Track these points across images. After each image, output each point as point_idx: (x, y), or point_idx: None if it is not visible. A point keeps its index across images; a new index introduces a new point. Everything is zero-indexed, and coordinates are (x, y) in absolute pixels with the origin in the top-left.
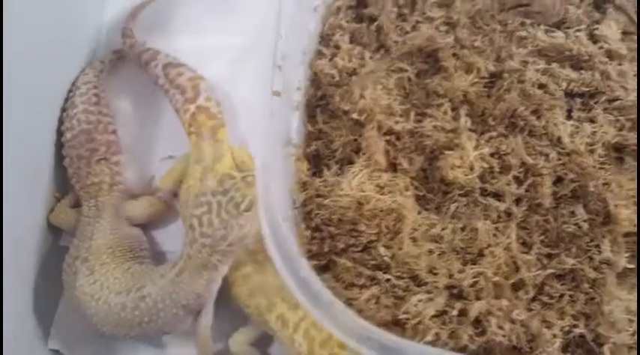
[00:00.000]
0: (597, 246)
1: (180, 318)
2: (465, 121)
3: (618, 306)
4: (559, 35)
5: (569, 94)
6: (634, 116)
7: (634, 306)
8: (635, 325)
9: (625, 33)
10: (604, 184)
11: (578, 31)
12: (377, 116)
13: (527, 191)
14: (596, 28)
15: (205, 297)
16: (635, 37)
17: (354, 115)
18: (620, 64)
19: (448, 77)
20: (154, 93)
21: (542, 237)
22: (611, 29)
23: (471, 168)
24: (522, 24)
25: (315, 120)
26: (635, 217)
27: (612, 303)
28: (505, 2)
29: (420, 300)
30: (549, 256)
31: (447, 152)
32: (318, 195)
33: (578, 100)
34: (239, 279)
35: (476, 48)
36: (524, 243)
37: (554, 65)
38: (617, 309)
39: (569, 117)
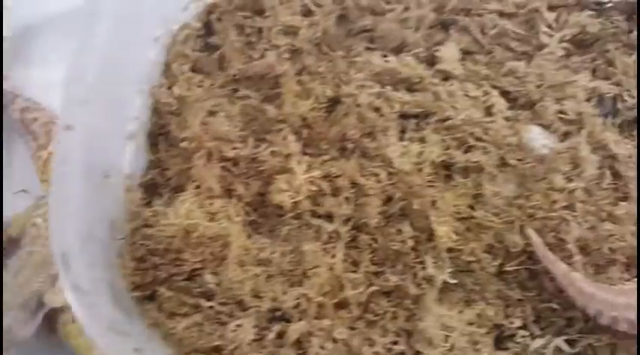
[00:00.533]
0: (422, 262)
1: None
2: (296, 146)
3: (434, 322)
4: (392, 59)
5: (404, 116)
6: (460, 135)
7: (451, 322)
8: (451, 340)
9: (467, 52)
10: (432, 202)
11: (415, 54)
12: (207, 144)
13: (356, 211)
14: (437, 50)
15: None
16: (478, 57)
17: (183, 144)
18: (450, 85)
19: (287, 103)
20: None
21: (370, 256)
22: (450, 51)
23: (298, 192)
24: (367, 49)
25: (157, 148)
26: (451, 234)
27: (427, 319)
28: (352, 28)
29: (238, 325)
30: (377, 274)
31: (277, 177)
32: (146, 225)
33: (413, 121)
34: (74, 331)
35: (319, 73)
36: (353, 262)
37: (387, 88)
38: (432, 325)
39: (402, 138)
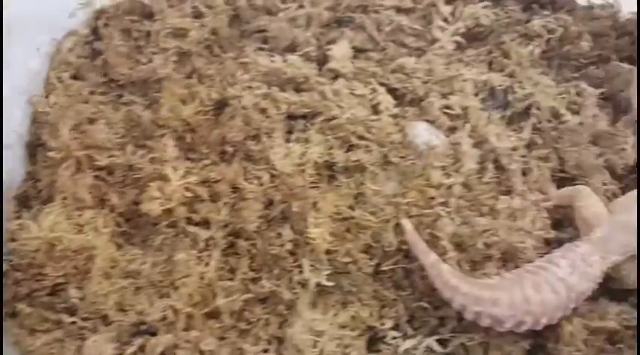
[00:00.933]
0: (300, 266)
1: None
2: (173, 151)
3: (303, 327)
4: (277, 59)
5: (292, 117)
6: (343, 134)
7: (321, 326)
8: (320, 345)
9: (362, 50)
10: (313, 203)
11: (306, 53)
12: (76, 153)
13: (235, 216)
14: (329, 49)
15: None
16: (372, 54)
17: (50, 153)
18: (338, 84)
19: (166, 108)
20: None
21: (249, 262)
22: (341, 49)
23: (170, 199)
24: (260, 49)
25: (36, 159)
26: (326, 235)
27: (296, 325)
28: (245, 29)
29: (95, 341)
30: (254, 280)
31: (151, 184)
32: (13, 239)
33: (301, 122)
34: None
35: (209, 76)
36: (231, 270)
37: (274, 89)
38: (301, 331)
39: (288, 139)
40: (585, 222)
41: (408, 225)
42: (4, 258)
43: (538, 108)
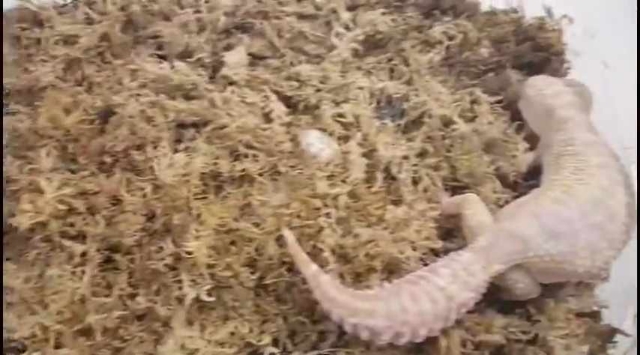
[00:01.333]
0: (180, 281)
1: None
2: (48, 162)
3: (174, 345)
4: (165, 66)
5: (182, 125)
6: (231, 143)
7: (195, 344)
8: None
9: (259, 57)
10: (197, 215)
11: (200, 59)
12: None
13: (113, 230)
14: (223, 56)
15: None
16: (270, 61)
17: None
18: (232, 92)
19: (51, 117)
20: None
21: (127, 277)
22: (236, 56)
23: (41, 212)
24: (154, 56)
25: None
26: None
27: (168, 343)
28: (140, 35)
29: None
30: (132, 296)
31: (23, 196)
32: None
33: (192, 130)
34: None
35: (98, 83)
36: (108, 285)
37: (161, 96)
38: (173, 349)
39: (176, 149)
40: (471, 230)
41: (289, 236)
42: None
43: (430, 117)
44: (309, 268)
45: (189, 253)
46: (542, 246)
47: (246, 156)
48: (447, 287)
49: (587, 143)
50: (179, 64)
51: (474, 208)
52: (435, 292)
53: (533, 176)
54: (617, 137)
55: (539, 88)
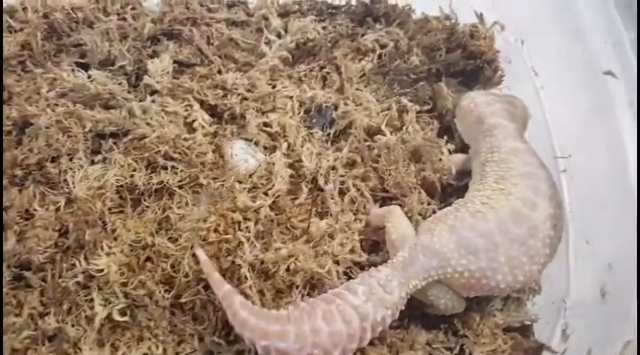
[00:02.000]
0: (92, 299)
1: None
2: None
3: None
4: (82, 76)
5: (101, 135)
6: (149, 155)
7: None
8: None
9: (186, 65)
10: (112, 230)
11: (122, 67)
12: None
13: (24, 246)
14: (146, 64)
15: None
16: (198, 68)
17: None
18: (152, 101)
19: None
20: None
21: (39, 295)
22: (160, 64)
23: None
24: (76, 64)
25: None
26: (114, 266)
27: None
28: (64, 43)
29: None
30: (43, 316)
31: None
32: None
33: (110, 141)
34: None
35: (17, 93)
36: (18, 304)
37: (78, 106)
38: None
39: (93, 161)
40: (392, 244)
41: (201, 255)
42: None
43: (356, 128)
44: (221, 288)
45: (99, 271)
46: (459, 261)
47: (164, 168)
48: (361, 305)
49: (513, 151)
50: (96, 73)
51: (395, 221)
52: (349, 311)
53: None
54: (548, 145)
55: (472, 97)
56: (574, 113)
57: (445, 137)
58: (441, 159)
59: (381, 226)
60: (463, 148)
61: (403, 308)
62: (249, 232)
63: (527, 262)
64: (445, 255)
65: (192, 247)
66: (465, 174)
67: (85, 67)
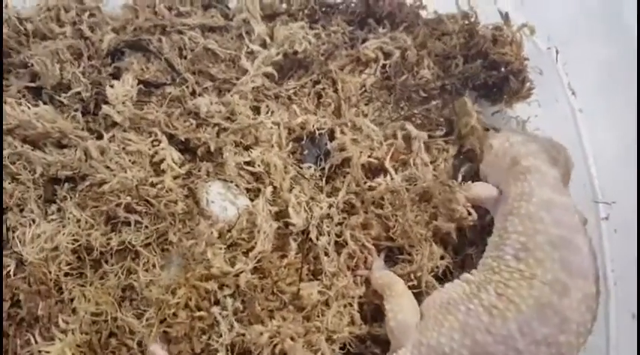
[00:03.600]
0: None
1: None
2: None
3: None
4: (28, 112)
5: (54, 180)
6: (108, 208)
7: None
8: None
9: (152, 84)
10: (69, 300)
11: (77, 94)
12: None
13: None
14: (111, 85)
15: None
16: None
17: None
18: (111, 137)
19: None
20: None
21: None
22: (121, 88)
23: None
24: (22, 91)
25: None
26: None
27: None
28: (12, 62)
29: None
30: None
31: None
32: None
33: (66, 186)
34: None
35: None
36: None
37: (26, 147)
38: None
39: (46, 212)
40: (391, 332)
41: (158, 351)
42: None
43: (354, 166)
44: None
45: None
46: None
47: (127, 223)
48: None
49: (547, 204)
50: (43, 109)
51: (396, 304)
52: None
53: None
54: (587, 184)
55: (507, 136)
56: (620, 146)
57: (462, 169)
58: (455, 209)
59: (382, 291)
60: None
61: None
62: (227, 309)
63: None
64: None
65: (161, 323)
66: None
67: (38, 92)
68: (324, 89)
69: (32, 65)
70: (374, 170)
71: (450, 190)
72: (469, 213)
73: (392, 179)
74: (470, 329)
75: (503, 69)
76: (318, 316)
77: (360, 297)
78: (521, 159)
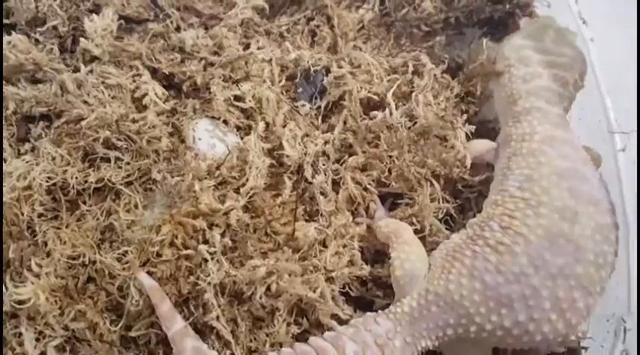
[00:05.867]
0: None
1: None
2: None
3: None
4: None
5: (27, 118)
6: (85, 143)
7: None
8: None
9: (133, 21)
10: (43, 243)
11: (54, 28)
12: None
13: None
14: (90, 19)
15: None
16: (150, 25)
17: None
18: (89, 71)
19: None
20: None
21: None
22: (100, 21)
23: None
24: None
25: None
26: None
27: None
28: None
29: None
30: None
31: None
32: None
33: (41, 124)
34: None
35: None
36: None
37: None
38: None
39: (19, 151)
40: (397, 282)
41: (146, 280)
42: None
43: (352, 100)
44: (171, 326)
45: (22, 302)
46: (488, 317)
47: (106, 160)
48: None
49: (549, 139)
50: (17, 37)
51: (403, 251)
52: None
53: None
54: (602, 116)
55: (515, 57)
56: (635, 75)
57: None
58: (453, 146)
59: (385, 240)
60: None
61: None
62: (215, 246)
63: (580, 298)
64: (467, 310)
65: (144, 264)
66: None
67: (12, 28)
68: (318, 26)
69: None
70: (372, 107)
71: (452, 126)
72: (464, 166)
73: (391, 114)
74: (478, 272)
75: (508, 4)
76: (316, 256)
77: (361, 239)
78: (519, 99)
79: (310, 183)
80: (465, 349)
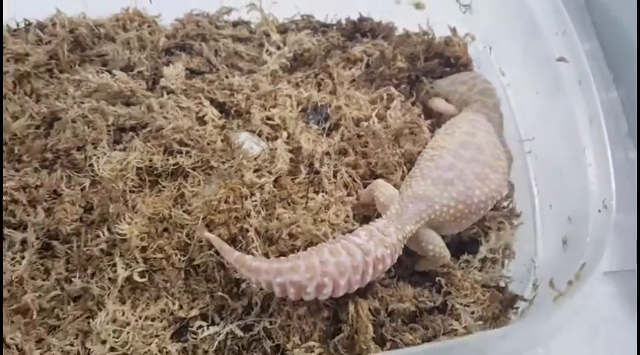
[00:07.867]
0: (115, 264)
1: None
2: None
3: (107, 318)
4: (105, 76)
5: (121, 129)
6: (165, 142)
7: (126, 318)
8: (123, 335)
9: (196, 72)
10: (132, 206)
11: (140, 72)
12: None
13: (52, 219)
14: (162, 70)
15: None
16: (207, 75)
17: None
18: (168, 98)
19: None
20: None
21: (65, 263)
22: (174, 69)
23: None
24: (99, 71)
25: None
26: (135, 231)
27: (100, 317)
28: (88, 54)
29: None
30: (68, 280)
31: None
32: None
33: (131, 133)
34: None
35: (45, 95)
36: (46, 270)
37: (102, 103)
38: (104, 321)
39: (115, 149)
40: (382, 205)
41: (209, 234)
42: None
43: (346, 120)
44: (232, 255)
45: (121, 235)
46: (442, 195)
47: (180, 152)
48: (363, 243)
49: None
50: (119, 73)
51: (382, 188)
52: (352, 247)
53: None
54: (514, 130)
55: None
56: (534, 100)
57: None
58: (421, 133)
59: (370, 200)
60: None
61: (401, 252)
62: (256, 202)
63: (490, 172)
64: (429, 196)
65: (206, 217)
66: None
67: (108, 72)
68: (323, 79)
69: (105, 55)
70: (359, 123)
71: (417, 125)
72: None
73: (374, 123)
74: (427, 174)
75: (454, 67)
76: (322, 213)
77: (353, 207)
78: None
79: (318, 172)
80: (431, 236)
